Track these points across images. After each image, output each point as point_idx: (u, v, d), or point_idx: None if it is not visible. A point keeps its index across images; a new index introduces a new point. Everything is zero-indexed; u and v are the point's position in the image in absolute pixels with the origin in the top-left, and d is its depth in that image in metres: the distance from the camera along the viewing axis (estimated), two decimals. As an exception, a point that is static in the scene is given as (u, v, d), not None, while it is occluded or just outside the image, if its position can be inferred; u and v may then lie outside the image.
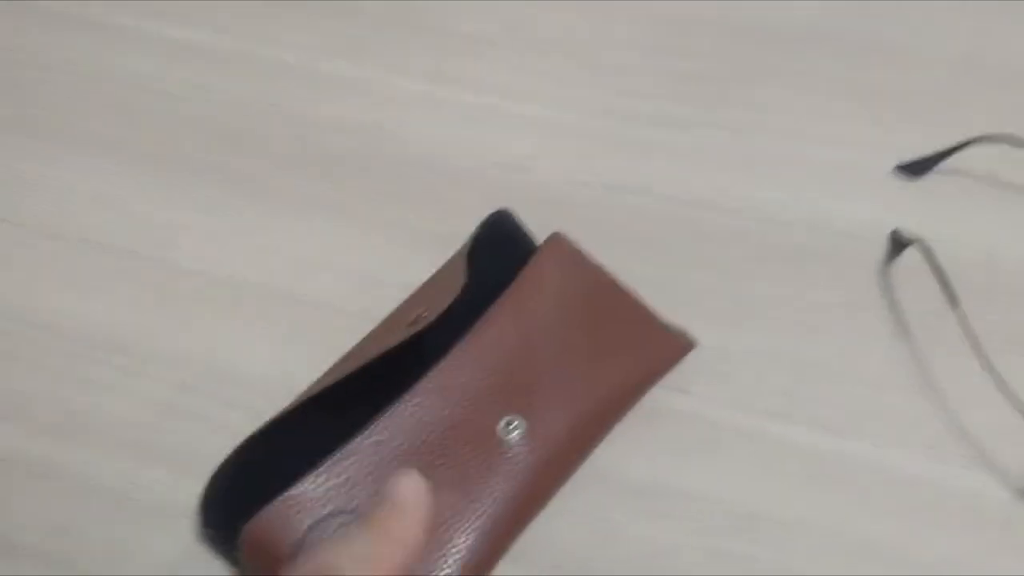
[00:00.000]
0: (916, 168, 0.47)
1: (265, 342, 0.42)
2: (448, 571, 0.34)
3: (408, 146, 0.50)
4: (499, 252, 0.41)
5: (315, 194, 0.48)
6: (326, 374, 0.38)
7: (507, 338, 0.38)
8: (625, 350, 0.39)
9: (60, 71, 0.54)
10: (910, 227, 0.44)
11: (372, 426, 0.35)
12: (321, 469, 0.34)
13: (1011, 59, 0.53)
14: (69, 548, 0.37)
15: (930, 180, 0.47)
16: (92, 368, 0.42)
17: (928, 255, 0.40)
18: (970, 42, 0.54)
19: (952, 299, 0.39)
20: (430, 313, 0.37)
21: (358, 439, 0.35)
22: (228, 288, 0.45)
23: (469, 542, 0.34)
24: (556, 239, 0.41)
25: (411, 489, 0.28)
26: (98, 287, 0.45)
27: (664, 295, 0.42)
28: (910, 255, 0.43)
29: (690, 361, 0.41)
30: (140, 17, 0.57)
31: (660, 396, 0.40)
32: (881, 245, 0.45)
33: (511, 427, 0.36)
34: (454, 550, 0.34)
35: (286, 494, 0.34)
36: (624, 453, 0.39)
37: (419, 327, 0.37)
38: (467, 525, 0.34)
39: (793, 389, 0.40)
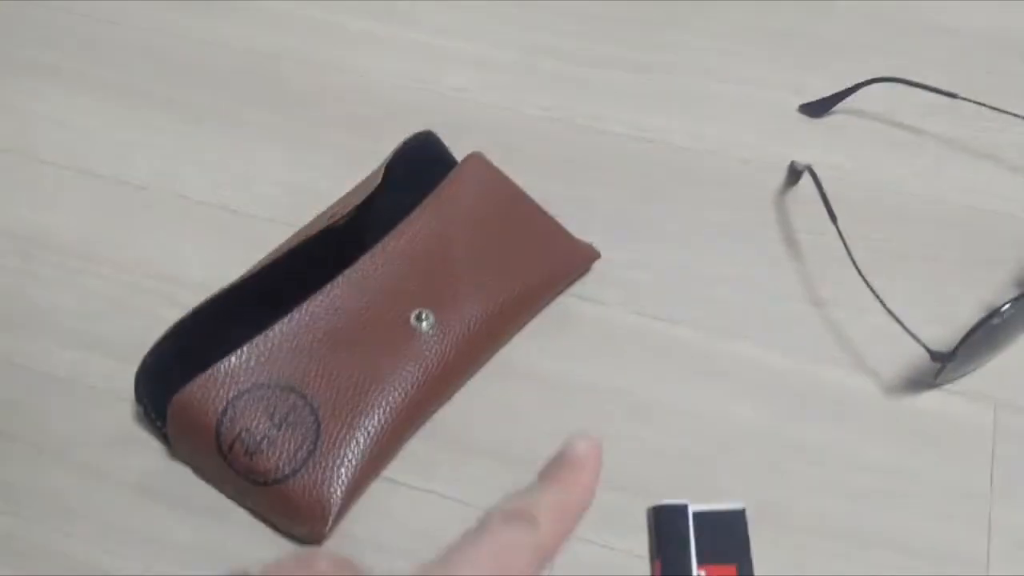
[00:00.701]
0: (818, 107, 0.51)
1: (209, 249, 0.46)
2: (358, 445, 0.37)
3: (349, 77, 0.54)
4: (420, 167, 0.44)
5: (261, 120, 0.52)
6: (253, 267, 0.42)
7: (423, 241, 0.42)
8: (534, 256, 0.43)
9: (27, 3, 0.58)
10: (810, 160, 0.48)
11: (293, 312, 0.39)
12: (244, 348, 0.38)
13: (909, 7, 0.57)
14: (19, 425, 0.40)
15: (830, 118, 0.51)
16: (47, 269, 0.45)
17: (815, 180, 0.44)
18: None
19: (832, 216, 0.42)
20: (340, 208, 0.41)
21: (280, 323, 0.38)
22: (176, 200, 0.48)
23: (379, 418, 0.37)
24: (475, 157, 0.45)
25: (589, 448, 0.29)
26: (56, 200, 0.48)
27: (578, 213, 0.46)
28: (806, 185, 0.47)
29: (598, 272, 0.45)
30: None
31: (568, 303, 0.44)
32: (781, 174, 0.49)
33: (422, 318, 0.40)
34: (367, 424, 0.37)
35: (210, 369, 0.37)
36: (533, 350, 0.42)
37: (332, 222, 0.41)
38: (379, 401, 0.38)
39: (689, 296, 0.44)
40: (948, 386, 0.41)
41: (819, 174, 0.46)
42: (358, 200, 0.42)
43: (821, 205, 0.44)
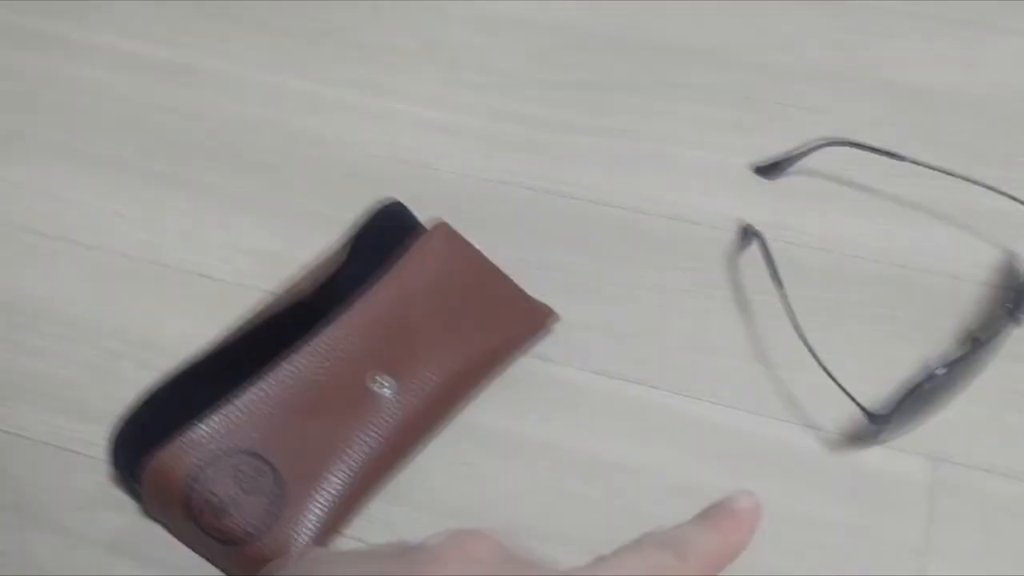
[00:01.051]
0: (771, 169, 0.53)
1: (186, 316, 0.48)
2: (321, 507, 0.39)
3: (322, 147, 0.56)
4: (386, 236, 0.47)
5: (236, 189, 0.54)
6: (224, 336, 0.44)
7: (386, 308, 0.44)
8: (494, 320, 0.45)
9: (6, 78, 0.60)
10: (763, 221, 0.50)
11: (258, 381, 0.41)
12: (213, 416, 0.40)
13: (865, 70, 0.59)
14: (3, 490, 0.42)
15: (783, 180, 0.53)
16: (29, 336, 0.47)
17: (762, 245, 0.46)
18: (824, 55, 0.60)
19: (777, 282, 0.44)
20: (307, 283, 0.43)
21: (246, 392, 0.40)
22: (154, 269, 0.50)
23: (340, 480, 0.39)
24: (439, 226, 0.47)
25: (753, 505, 0.30)
26: (39, 268, 0.50)
27: (539, 276, 0.48)
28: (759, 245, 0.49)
29: (557, 334, 0.47)
30: (93, 31, 0.63)
31: (527, 364, 0.46)
32: (734, 236, 0.51)
33: (383, 384, 0.42)
34: (328, 487, 0.39)
35: (180, 437, 0.39)
36: (491, 410, 0.44)
37: (297, 296, 0.43)
38: (340, 465, 0.40)
39: (644, 356, 0.46)
40: (891, 443, 0.42)
41: (772, 235, 0.48)
42: (324, 276, 0.44)
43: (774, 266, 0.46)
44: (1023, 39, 0.61)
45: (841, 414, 0.43)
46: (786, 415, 0.44)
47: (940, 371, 0.38)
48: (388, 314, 0.44)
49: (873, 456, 0.42)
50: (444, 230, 0.47)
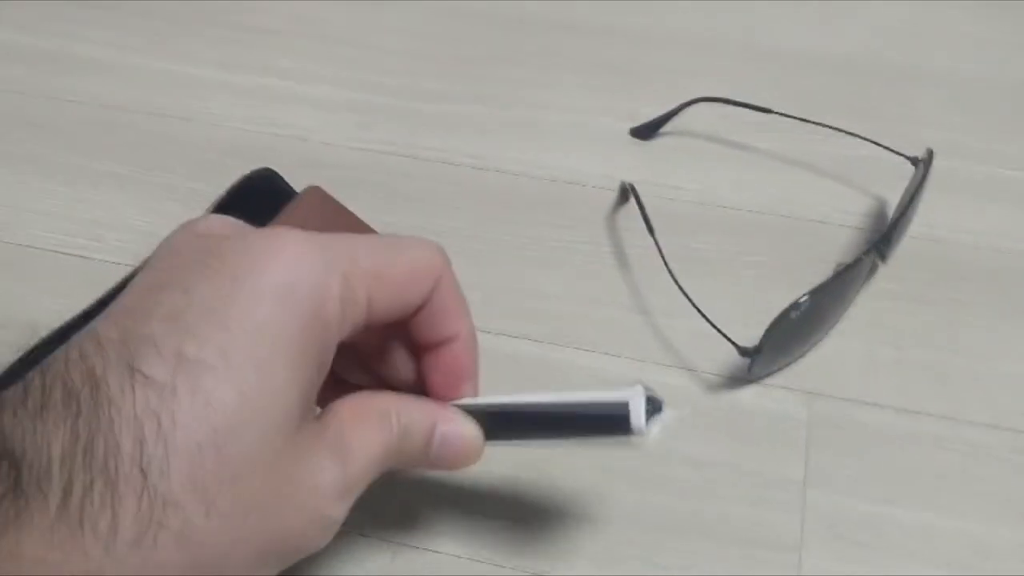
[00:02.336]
0: (646, 131, 0.54)
1: (62, 296, 0.46)
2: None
3: (193, 125, 0.55)
4: (258, 202, 0.46)
5: (109, 170, 0.52)
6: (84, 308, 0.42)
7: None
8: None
9: None
10: (640, 180, 0.51)
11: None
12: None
13: (733, 35, 0.60)
14: None
15: (658, 140, 0.54)
16: None
17: (635, 195, 0.46)
18: (693, 21, 0.61)
19: (649, 228, 0.45)
20: None
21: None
22: (26, 250, 0.48)
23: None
24: (313, 189, 0.46)
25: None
26: None
27: (417, 241, 0.48)
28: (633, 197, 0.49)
29: (435, 294, 0.46)
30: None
31: (408, 325, 0.45)
32: (613, 195, 0.51)
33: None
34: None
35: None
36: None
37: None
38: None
39: (525, 311, 0.46)
40: (767, 380, 0.43)
41: (648, 192, 0.49)
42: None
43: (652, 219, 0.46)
44: (879, 2, 0.63)
45: (719, 356, 0.44)
46: (666, 360, 0.44)
47: (803, 299, 0.38)
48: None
49: (751, 394, 0.43)
50: (317, 193, 0.46)
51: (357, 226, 0.46)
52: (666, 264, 0.43)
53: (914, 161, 0.47)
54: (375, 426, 0.28)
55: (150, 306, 0.24)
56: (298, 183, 0.48)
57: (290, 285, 0.24)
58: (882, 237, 0.43)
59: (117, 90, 0.57)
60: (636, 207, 0.46)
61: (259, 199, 0.46)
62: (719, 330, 0.41)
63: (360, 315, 0.27)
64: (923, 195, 0.46)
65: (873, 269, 0.45)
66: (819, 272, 0.47)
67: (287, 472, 0.24)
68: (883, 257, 0.44)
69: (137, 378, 0.22)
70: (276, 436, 0.24)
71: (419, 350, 0.31)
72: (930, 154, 0.46)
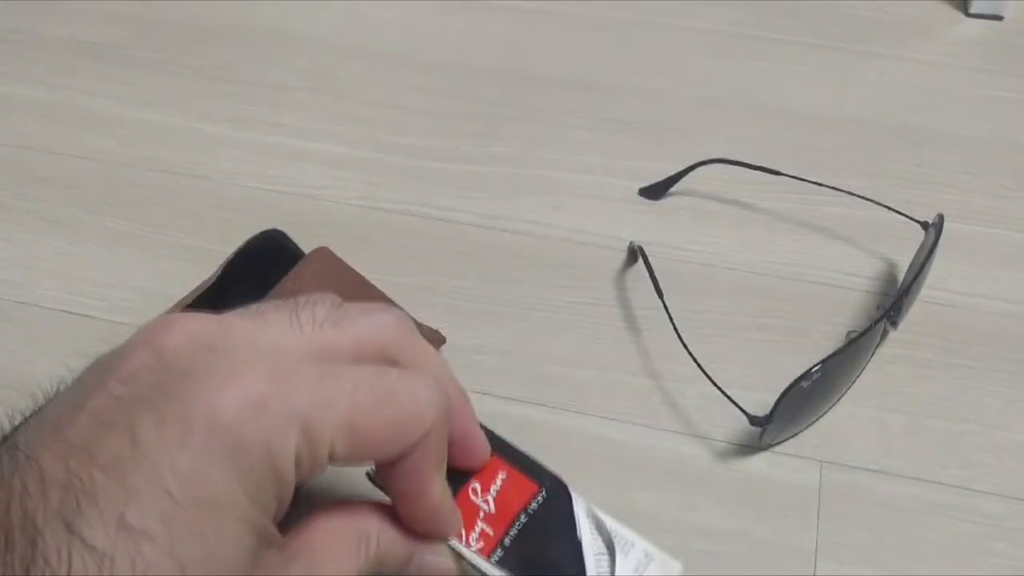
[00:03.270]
0: (654, 191, 0.54)
1: (59, 356, 0.46)
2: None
3: (203, 182, 0.55)
4: (265, 264, 0.46)
5: (116, 227, 0.52)
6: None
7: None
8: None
9: None
10: (648, 240, 0.51)
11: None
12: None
13: (739, 95, 0.60)
14: None
15: (667, 201, 0.54)
16: None
17: (644, 257, 0.46)
18: (700, 81, 0.61)
19: (658, 292, 0.44)
20: (176, 308, 0.42)
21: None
22: (33, 310, 0.48)
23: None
24: (319, 251, 0.46)
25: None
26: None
27: (426, 300, 0.48)
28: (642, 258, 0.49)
29: (443, 356, 0.46)
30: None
31: (415, 388, 0.45)
32: (622, 255, 0.51)
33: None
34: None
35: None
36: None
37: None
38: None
39: (531, 375, 0.45)
40: (778, 448, 0.42)
41: (657, 253, 0.49)
42: (189, 299, 0.43)
43: (661, 281, 0.46)
44: (882, 62, 0.63)
45: (729, 423, 0.43)
46: (675, 426, 0.43)
47: (815, 369, 0.38)
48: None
49: (762, 462, 0.42)
50: (324, 253, 0.46)
51: (364, 287, 0.46)
52: (675, 328, 0.43)
53: (924, 225, 0.47)
54: (351, 552, 0.26)
55: (94, 447, 0.22)
56: (307, 242, 0.48)
57: (243, 447, 0.23)
58: (893, 303, 0.42)
59: (128, 147, 0.57)
60: (645, 268, 0.46)
61: (266, 260, 0.46)
62: (731, 399, 0.41)
63: (320, 467, 0.24)
64: (934, 259, 0.45)
65: (884, 335, 0.45)
66: (828, 336, 0.47)
67: None
68: (894, 323, 0.43)
69: (74, 543, 0.21)
70: None
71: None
72: (940, 218, 0.46)
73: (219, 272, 0.45)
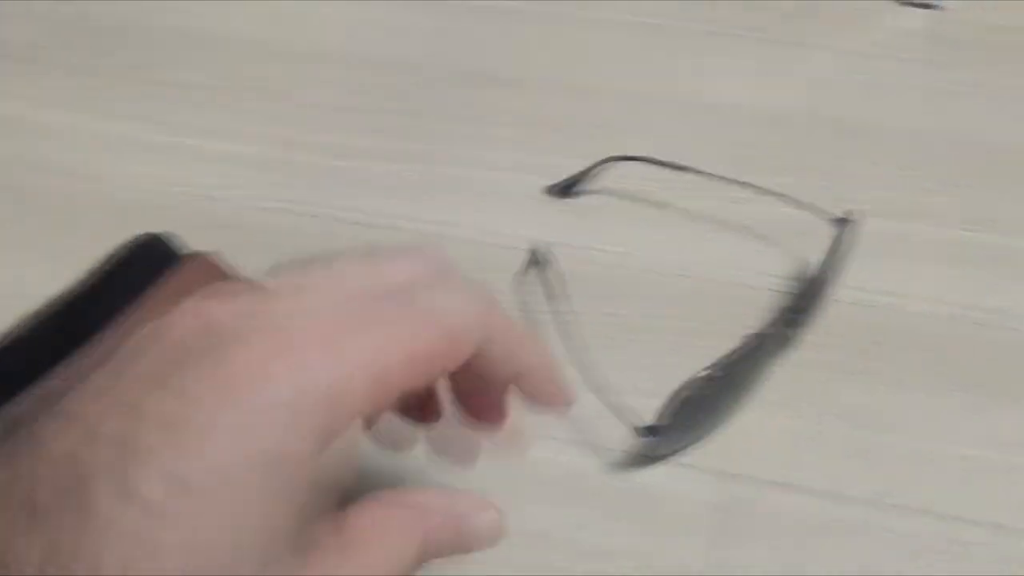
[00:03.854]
0: (562, 189, 0.51)
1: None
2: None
3: (102, 184, 0.53)
4: (140, 271, 0.43)
5: (10, 232, 0.50)
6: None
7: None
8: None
9: None
10: (556, 240, 0.48)
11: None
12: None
13: (660, 89, 0.58)
14: None
15: (578, 200, 0.52)
16: None
17: (542, 262, 0.44)
18: (620, 75, 0.59)
19: (551, 296, 0.42)
20: (27, 323, 0.40)
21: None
22: None
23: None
24: (194, 256, 0.44)
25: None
26: None
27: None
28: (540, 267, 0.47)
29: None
30: None
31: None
32: (524, 256, 0.49)
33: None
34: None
35: None
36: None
37: (15, 335, 0.39)
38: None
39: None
40: (677, 459, 0.40)
41: (564, 253, 0.46)
42: (56, 307, 0.40)
43: (563, 284, 0.44)
44: (814, 53, 0.61)
45: (628, 433, 0.41)
46: (570, 437, 0.41)
47: (701, 375, 0.36)
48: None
49: (659, 475, 0.40)
50: (201, 259, 0.43)
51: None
52: (569, 332, 0.41)
53: (835, 222, 0.44)
54: (408, 539, 0.26)
55: (147, 406, 0.22)
56: (204, 245, 0.45)
57: (294, 405, 0.22)
58: (793, 305, 0.40)
59: (28, 149, 0.55)
60: (543, 270, 0.43)
61: (145, 264, 0.43)
62: (613, 408, 0.38)
63: (382, 407, 0.25)
64: (853, 256, 0.43)
65: (786, 338, 0.42)
66: (735, 339, 0.44)
67: None
68: (795, 325, 0.41)
69: (130, 497, 0.21)
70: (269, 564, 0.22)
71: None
72: (850, 215, 0.44)
73: (90, 276, 0.42)
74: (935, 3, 0.63)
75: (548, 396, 0.30)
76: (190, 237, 0.46)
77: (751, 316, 0.45)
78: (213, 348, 0.23)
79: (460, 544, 0.28)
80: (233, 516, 0.22)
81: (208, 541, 0.21)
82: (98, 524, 0.21)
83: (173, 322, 0.24)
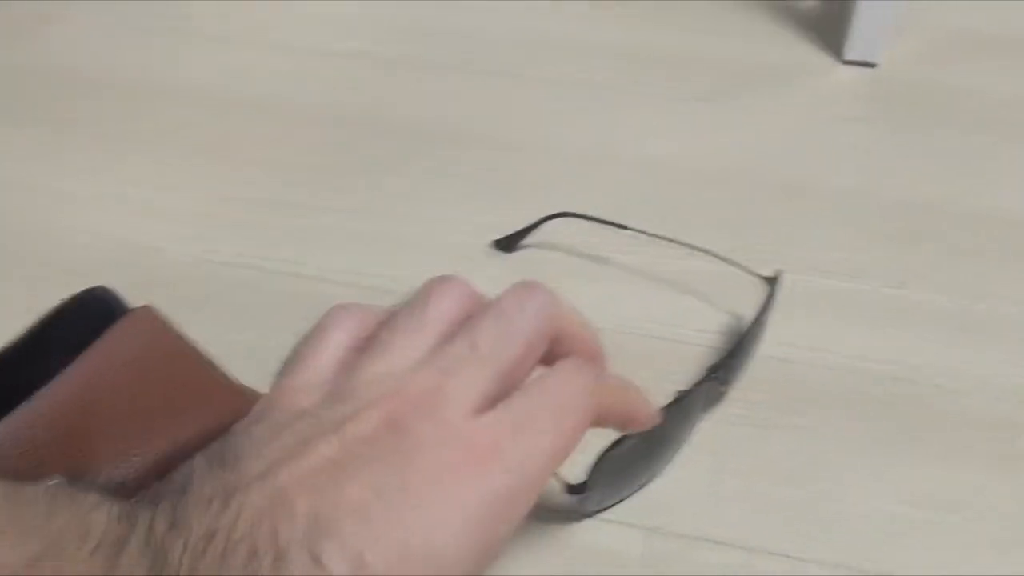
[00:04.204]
0: (507, 243, 0.53)
1: None
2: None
3: (39, 238, 0.53)
4: (83, 326, 0.44)
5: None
6: None
7: (67, 403, 0.40)
8: (192, 412, 0.42)
9: None
10: (498, 293, 0.49)
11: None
12: None
13: (598, 147, 0.60)
14: None
15: (519, 254, 0.53)
16: None
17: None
18: (560, 134, 0.61)
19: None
20: None
21: None
22: None
23: None
24: (138, 311, 0.44)
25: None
26: None
27: (263, 358, 0.46)
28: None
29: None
30: None
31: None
32: (467, 311, 0.50)
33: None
34: None
35: None
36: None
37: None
38: None
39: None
40: (604, 515, 0.41)
41: (502, 309, 0.47)
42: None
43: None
44: (753, 111, 0.63)
45: (554, 488, 0.41)
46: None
47: (626, 438, 0.37)
48: (72, 407, 0.40)
49: (585, 531, 0.41)
50: (145, 314, 0.44)
51: (183, 351, 0.44)
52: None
53: (766, 280, 0.46)
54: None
55: (337, 493, 0.25)
56: (142, 299, 0.46)
57: (470, 515, 0.26)
58: (720, 362, 0.41)
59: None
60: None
61: (86, 321, 0.44)
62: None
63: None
64: (782, 313, 0.44)
65: (720, 394, 0.43)
66: (670, 395, 0.45)
67: None
68: (723, 381, 0.42)
69: (316, 570, 0.23)
70: None
71: None
72: (779, 274, 0.45)
73: (31, 331, 0.43)
74: (871, 60, 0.65)
75: (642, 421, 0.35)
76: (131, 293, 0.46)
77: (682, 372, 0.47)
78: (398, 452, 0.26)
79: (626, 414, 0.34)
80: None
81: None
82: None
83: (359, 416, 0.27)
